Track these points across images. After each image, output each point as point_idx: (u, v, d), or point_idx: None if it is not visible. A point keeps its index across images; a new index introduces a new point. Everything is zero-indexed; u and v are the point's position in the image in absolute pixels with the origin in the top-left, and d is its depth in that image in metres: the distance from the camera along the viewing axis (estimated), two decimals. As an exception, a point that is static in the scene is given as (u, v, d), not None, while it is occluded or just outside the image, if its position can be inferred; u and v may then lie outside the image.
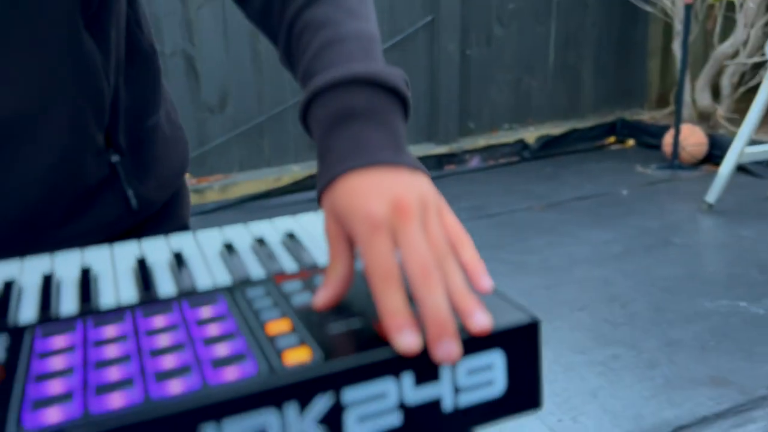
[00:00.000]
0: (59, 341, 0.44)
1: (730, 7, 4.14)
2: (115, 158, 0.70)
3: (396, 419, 0.42)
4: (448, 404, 0.43)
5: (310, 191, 3.67)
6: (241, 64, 3.58)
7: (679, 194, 3.55)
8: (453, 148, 4.10)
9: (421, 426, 0.43)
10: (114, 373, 0.40)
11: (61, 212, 0.68)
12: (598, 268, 2.63)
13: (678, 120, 3.82)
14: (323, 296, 0.47)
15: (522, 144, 4.31)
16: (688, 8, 3.62)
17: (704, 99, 4.22)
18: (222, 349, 0.42)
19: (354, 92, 0.50)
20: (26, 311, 0.49)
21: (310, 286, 0.51)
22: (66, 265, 0.57)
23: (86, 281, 0.53)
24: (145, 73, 0.74)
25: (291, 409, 0.39)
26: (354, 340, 0.43)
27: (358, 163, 0.47)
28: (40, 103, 0.61)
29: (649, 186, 3.68)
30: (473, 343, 0.43)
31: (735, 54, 4.11)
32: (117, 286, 0.53)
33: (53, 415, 0.36)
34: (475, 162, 4.19)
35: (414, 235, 0.44)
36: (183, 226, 0.84)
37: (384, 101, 0.51)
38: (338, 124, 0.50)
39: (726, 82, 4.23)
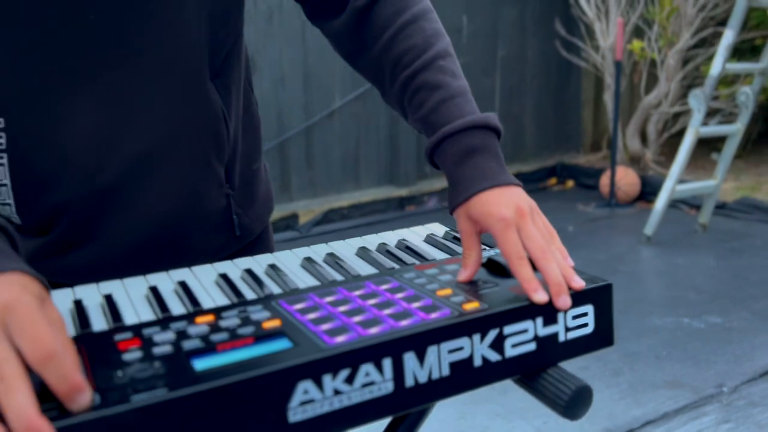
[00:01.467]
0: (325, 299, 0.65)
1: (653, 64, 4.66)
2: (229, 191, 0.88)
3: (532, 346, 0.65)
4: (561, 337, 0.67)
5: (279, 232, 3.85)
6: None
7: (619, 229, 3.93)
8: (412, 191, 4.39)
9: (545, 351, 0.66)
10: (362, 315, 0.61)
11: (181, 236, 0.84)
12: (557, 295, 2.92)
13: (613, 163, 4.24)
14: (465, 274, 0.70)
15: (474, 186, 4.64)
16: (618, 65, 4.08)
17: (634, 144, 4.69)
18: (419, 303, 0.64)
19: (473, 135, 0.74)
20: (274, 287, 0.69)
21: (442, 271, 0.74)
22: (257, 262, 0.78)
23: (276, 270, 0.74)
24: (253, 124, 0.94)
25: (476, 337, 0.62)
26: (500, 297, 0.66)
27: (487, 185, 0.71)
28: (172, 139, 0.78)
29: (592, 222, 4.05)
30: (575, 298, 0.67)
31: (658, 104, 4.60)
32: (322, 272, 0.74)
33: (341, 338, 0.57)
34: (432, 203, 4.48)
35: (532, 229, 0.68)
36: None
37: (492, 139, 0.75)
38: (466, 158, 0.73)
39: (652, 129, 4.71)
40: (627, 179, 4.39)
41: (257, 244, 0.98)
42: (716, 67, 3.22)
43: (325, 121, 4.12)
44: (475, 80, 4.72)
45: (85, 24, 0.69)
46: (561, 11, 4.89)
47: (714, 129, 3.53)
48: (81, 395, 0.46)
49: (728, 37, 3.21)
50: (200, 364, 0.53)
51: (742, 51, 4.59)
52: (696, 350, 2.37)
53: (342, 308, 0.64)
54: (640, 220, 3.86)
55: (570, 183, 4.97)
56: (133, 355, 0.55)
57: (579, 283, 0.67)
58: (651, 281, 3.13)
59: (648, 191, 4.40)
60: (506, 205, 0.70)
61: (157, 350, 0.56)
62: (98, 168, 0.75)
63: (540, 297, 0.64)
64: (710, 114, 4.59)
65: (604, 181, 4.45)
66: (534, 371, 0.66)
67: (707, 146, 5.04)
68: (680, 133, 4.76)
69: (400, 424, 0.73)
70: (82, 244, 0.77)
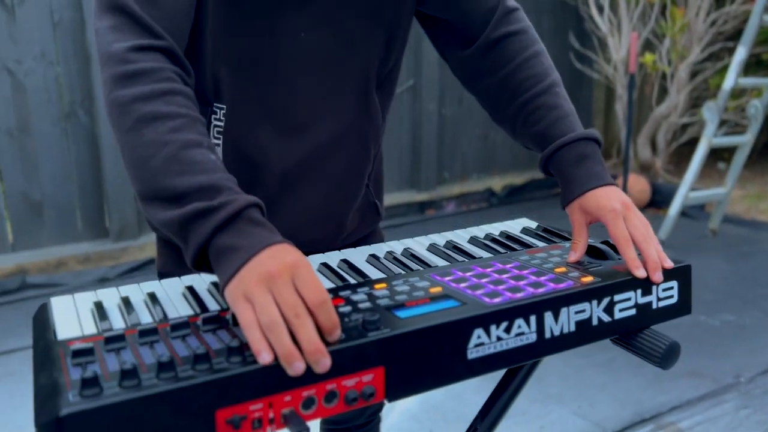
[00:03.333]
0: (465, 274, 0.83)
1: (663, 76, 4.86)
2: (368, 182, 1.08)
3: (633, 311, 0.83)
4: (654, 305, 0.85)
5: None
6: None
7: (632, 234, 4.11)
8: (432, 195, 4.57)
9: (642, 316, 0.84)
10: (505, 285, 0.79)
11: (341, 214, 1.04)
12: (579, 294, 3.10)
13: (626, 171, 4.43)
14: (575, 255, 0.88)
15: (490, 192, 4.82)
16: (632, 77, 4.27)
17: (645, 153, 4.88)
18: (545, 277, 0.82)
19: (585, 145, 0.92)
20: (415, 266, 0.87)
21: (550, 255, 0.92)
22: (390, 247, 0.96)
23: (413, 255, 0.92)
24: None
25: (594, 303, 0.79)
26: (607, 273, 0.84)
27: (598, 184, 0.89)
28: (343, 135, 0.98)
29: (604, 228, 4.23)
30: (665, 275, 0.85)
31: (668, 115, 4.80)
32: (450, 254, 0.92)
33: (497, 299, 0.75)
34: (450, 207, 4.66)
35: (635, 219, 0.86)
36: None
37: (597, 148, 0.93)
38: (579, 163, 0.91)
39: (661, 138, 4.90)
40: (638, 186, 4.58)
41: (378, 231, 1.17)
42: (729, 82, 3.41)
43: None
44: (492, 90, 4.91)
45: (297, 38, 0.89)
46: (575, 25, 5.09)
47: (726, 140, 3.72)
48: (338, 330, 0.64)
49: (741, 53, 3.40)
50: (402, 314, 0.71)
51: (748, 64, 4.79)
52: (713, 345, 2.55)
53: (484, 280, 0.82)
54: (652, 225, 4.04)
55: (582, 190, 5.15)
56: (345, 308, 0.73)
57: (669, 264, 0.85)
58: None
59: (658, 198, 4.59)
60: (615, 199, 0.88)
61: (362, 306, 0.74)
62: (287, 154, 0.94)
63: (641, 273, 0.82)
64: (718, 125, 4.79)
65: (616, 188, 4.63)
66: (633, 331, 0.84)
67: (713, 155, 5.24)
68: (689, 143, 4.96)
69: (513, 377, 0.91)
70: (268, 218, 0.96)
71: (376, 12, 0.94)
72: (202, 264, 0.71)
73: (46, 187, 3.55)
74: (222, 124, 0.91)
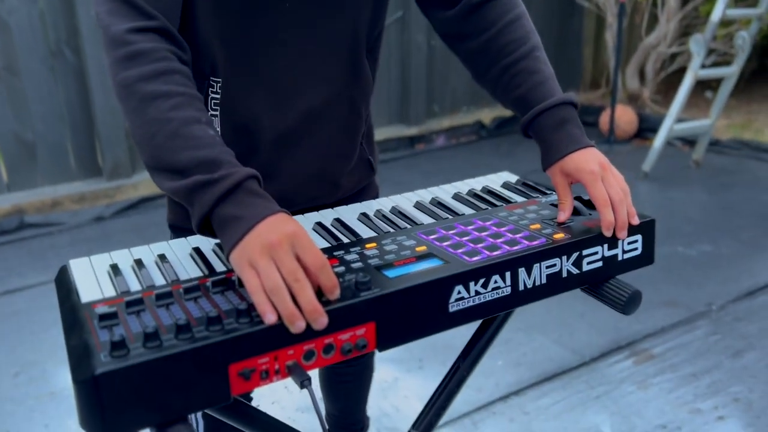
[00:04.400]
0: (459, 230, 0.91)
1: (654, 4, 4.81)
2: (362, 140, 1.14)
3: (600, 264, 0.91)
4: (620, 257, 0.93)
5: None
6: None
7: (618, 165, 4.16)
8: (422, 130, 4.60)
9: (608, 268, 0.92)
10: (483, 243, 0.87)
11: (335, 173, 1.10)
12: (564, 227, 3.21)
13: (614, 101, 4.46)
14: (564, 216, 0.94)
15: (480, 124, 4.86)
16: (623, 6, 4.24)
17: (633, 83, 4.90)
18: (521, 235, 0.90)
19: (564, 109, 0.97)
20: (403, 223, 0.95)
21: (527, 210, 0.99)
22: (380, 204, 1.03)
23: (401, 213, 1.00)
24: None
25: (564, 258, 0.88)
26: (581, 231, 0.91)
27: (577, 147, 0.95)
28: (335, 99, 1.03)
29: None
30: (630, 229, 0.93)
31: (657, 44, 4.79)
32: (435, 212, 0.99)
33: (476, 258, 0.83)
34: (440, 141, 4.71)
35: (612, 180, 0.93)
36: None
37: (575, 112, 0.99)
38: (558, 127, 0.97)
39: (650, 68, 4.91)
40: (625, 117, 4.63)
41: (372, 184, 1.24)
42: (717, 13, 3.41)
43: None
44: (481, 20, 4.86)
45: (282, 8, 0.93)
46: (566, -50, 4.99)
47: (712, 72, 3.75)
48: (337, 289, 0.72)
49: (729, -17, 3.38)
50: (390, 274, 0.79)
51: (739, -8, 4.74)
52: (689, 275, 2.68)
53: (465, 238, 0.90)
54: (638, 156, 4.12)
55: (570, 120, 5.19)
56: (339, 269, 0.81)
57: (636, 221, 0.93)
58: (649, 214, 3.42)
59: (645, 128, 4.65)
60: (593, 162, 0.94)
61: (354, 266, 0.82)
62: (280, 119, 0.99)
63: (610, 231, 0.90)
64: (706, 53, 4.79)
65: (604, 119, 4.68)
66: (600, 281, 0.93)
67: (701, 84, 5.26)
68: (677, 72, 4.96)
69: (488, 326, 1.01)
70: (265, 180, 1.02)
71: None
72: (206, 230, 0.79)
73: (37, 127, 3.56)
74: (218, 96, 0.96)
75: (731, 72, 3.69)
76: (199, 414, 1.15)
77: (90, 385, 0.62)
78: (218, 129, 0.98)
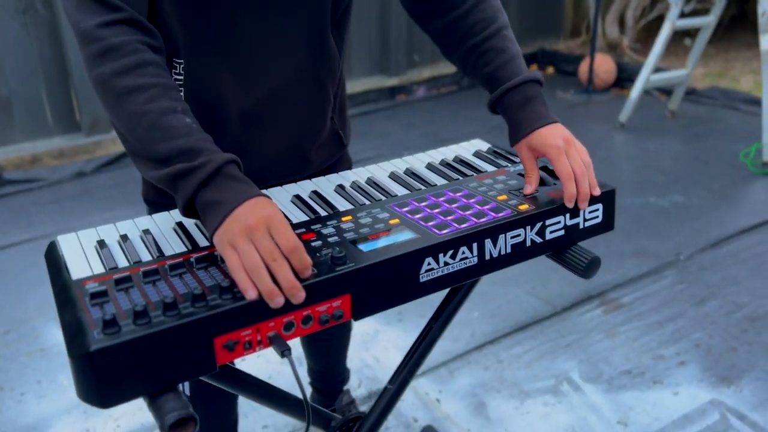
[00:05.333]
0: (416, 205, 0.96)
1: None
2: (333, 115, 1.17)
3: (562, 232, 0.97)
4: (581, 225, 0.99)
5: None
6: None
7: (595, 115, 4.24)
8: (402, 80, 4.59)
9: (570, 235, 0.98)
10: (453, 216, 0.92)
11: (305, 149, 1.14)
12: (541, 179, 3.27)
13: (593, 51, 4.47)
14: (530, 188, 0.99)
15: (460, 75, 4.85)
16: (602, -47, 4.20)
17: (613, 31, 4.90)
18: (488, 207, 0.95)
19: (529, 87, 1.01)
20: (378, 195, 0.99)
21: (496, 180, 1.04)
22: (356, 175, 1.07)
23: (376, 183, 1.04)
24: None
25: (528, 228, 0.93)
26: (545, 201, 0.97)
27: (542, 123, 0.99)
28: (301, 76, 1.06)
29: (570, 109, 4.35)
30: (592, 200, 0.98)
31: (638, -9, 4.77)
32: (408, 183, 1.04)
33: (445, 231, 0.88)
34: (421, 92, 4.70)
35: (575, 155, 0.97)
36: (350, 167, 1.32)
37: (540, 89, 1.03)
38: (525, 104, 1.01)
39: (630, 16, 4.91)
40: (604, 66, 4.64)
41: (344, 157, 1.27)
42: (695, -37, 3.40)
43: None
44: (461, -33, 4.79)
45: None
46: None
47: (688, 22, 3.76)
48: (308, 270, 0.77)
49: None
50: (364, 248, 0.85)
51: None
52: (660, 225, 2.77)
53: (436, 210, 0.95)
54: (615, 106, 4.16)
55: (550, 69, 5.20)
56: (317, 243, 0.86)
57: (597, 192, 0.99)
58: (623, 165, 3.49)
59: (624, 77, 4.67)
60: (558, 137, 0.98)
61: (331, 240, 0.87)
62: (245, 98, 1.02)
63: (572, 203, 0.95)
64: (685, 2, 4.79)
65: (583, 68, 4.69)
66: (563, 248, 0.99)
67: (680, 32, 5.27)
68: (657, 20, 4.96)
69: (456, 293, 1.07)
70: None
71: None
72: (191, 213, 0.83)
73: (12, 83, 3.51)
74: (182, 77, 0.98)
75: (709, 21, 3.71)
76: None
77: (85, 360, 0.67)
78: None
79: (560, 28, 5.52)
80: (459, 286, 1.02)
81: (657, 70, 3.81)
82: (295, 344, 2.16)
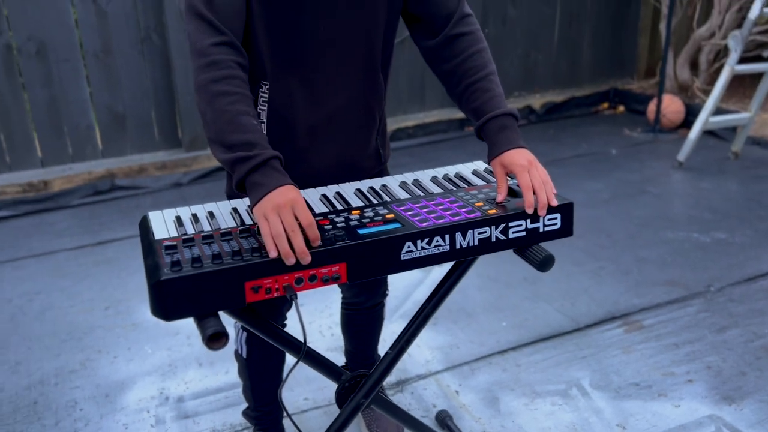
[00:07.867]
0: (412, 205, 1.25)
1: (709, -5, 4.87)
2: (377, 136, 1.49)
3: (524, 233, 1.24)
4: (541, 229, 1.25)
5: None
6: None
7: (658, 153, 4.36)
8: (472, 113, 4.88)
9: (531, 237, 1.25)
10: (435, 214, 1.21)
11: (354, 161, 1.46)
12: (591, 210, 3.46)
13: (660, 91, 4.60)
14: (501, 196, 1.27)
15: (529, 109, 5.09)
16: (672, -1, 4.36)
17: (684, 73, 5.00)
18: (465, 210, 1.23)
19: (505, 119, 1.30)
20: (386, 197, 1.30)
21: (480, 192, 1.32)
22: (375, 183, 1.38)
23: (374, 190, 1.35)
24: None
25: (493, 227, 1.21)
26: (512, 208, 1.24)
27: (512, 147, 1.28)
28: (354, 103, 1.39)
29: (634, 146, 4.49)
30: (551, 209, 1.24)
31: (711, 35, 4.86)
32: (412, 190, 1.34)
33: (425, 224, 1.17)
34: (490, 124, 4.96)
35: (536, 173, 1.25)
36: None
37: (514, 121, 1.31)
38: (500, 131, 1.30)
39: (703, 59, 4.99)
40: (673, 107, 4.75)
41: (383, 171, 1.59)
42: (754, 11, 3.53)
43: (396, 48, 4.60)
44: (535, 9, 5.06)
45: (317, 32, 1.28)
46: (625, -59, 5.09)
47: (748, 67, 3.86)
48: (317, 242, 1.09)
49: (771, -19, 3.48)
50: (361, 231, 1.15)
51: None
52: (697, 259, 2.90)
53: (424, 210, 1.24)
54: (680, 146, 4.27)
55: (621, 108, 5.34)
56: (328, 227, 1.17)
57: (554, 202, 1.25)
58: (674, 201, 3.62)
59: (692, 119, 4.75)
60: (522, 158, 1.26)
61: (339, 224, 1.18)
62: (312, 117, 1.36)
63: (531, 210, 1.22)
64: (761, 46, 4.84)
65: (651, 107, 4.81)
66: (524, 246, 1.25)
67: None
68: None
69: (455, 270, 1.35)
70: (296, 165, 1.38)
71: (376, 9, 1.32)
72: (241, 189, 1.16)
73: (127, 102, 4.08)
74: (267, 96, 1.33)
75: (772, 67, 3.79)
76: (239, 325, 1.56)
77: (157, 287, 1.01)
78: (265, 120, 1.35)
79: (634, 69, 5.65)
80: (447, 277, 1.31)
81: (720, 111, 3.91)
82: (336, 328, 2.46)
